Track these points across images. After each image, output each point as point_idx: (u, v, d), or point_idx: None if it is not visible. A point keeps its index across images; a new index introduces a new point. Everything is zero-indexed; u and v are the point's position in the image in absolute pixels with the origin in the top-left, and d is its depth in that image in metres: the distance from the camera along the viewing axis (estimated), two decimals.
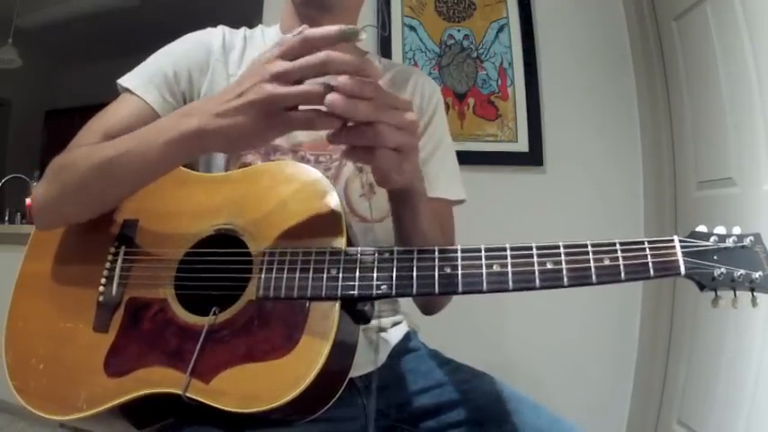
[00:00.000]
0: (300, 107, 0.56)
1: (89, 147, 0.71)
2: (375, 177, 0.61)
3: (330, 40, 0.55)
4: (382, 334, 0.86)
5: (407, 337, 0.88)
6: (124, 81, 0.81)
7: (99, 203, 0.71)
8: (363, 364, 0.72)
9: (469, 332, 1.71)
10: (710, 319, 1.56)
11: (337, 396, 0.62)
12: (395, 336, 0.87)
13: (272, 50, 0.57)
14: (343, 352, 0.62)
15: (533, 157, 1.85)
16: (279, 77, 0.55)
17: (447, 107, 1.83)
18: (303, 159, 0.81)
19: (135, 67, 0.83)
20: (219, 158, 0.81)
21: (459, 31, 1.90)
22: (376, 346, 0.79)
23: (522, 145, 1.86)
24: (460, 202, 0.92)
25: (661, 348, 1.76)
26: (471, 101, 1.86)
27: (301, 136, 0.82)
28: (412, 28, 1.88)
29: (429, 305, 0.85)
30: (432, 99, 0.93)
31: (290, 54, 0.55)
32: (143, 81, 0.80)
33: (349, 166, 0.84)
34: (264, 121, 0.56)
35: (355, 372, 0.64)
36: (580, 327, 1.83)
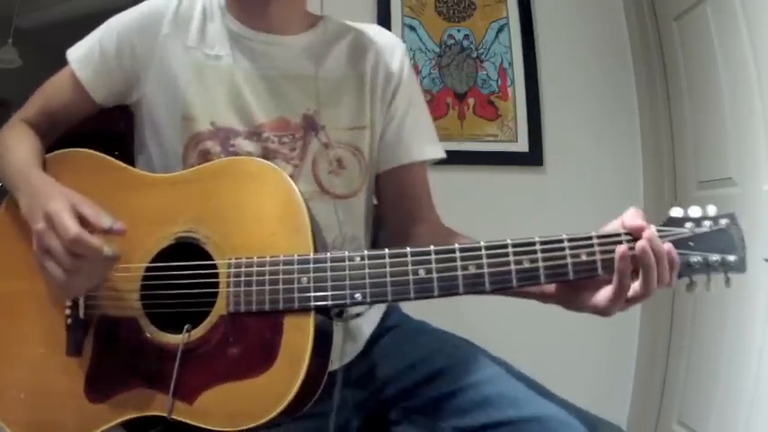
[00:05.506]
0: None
1: (10, 131, 0.83)
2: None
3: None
4: (358, 319, 0.80)
5: (385, 316, 0.85)
6: (71, 51, 0.84)
7: None
8: (340, 355, 0.72)
9: (468, 332, 1.71)
10: (710, 320, 1.55)
11: (320, 390, 0.61)
12: (371, 319, 0.83)
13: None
14: (321, 354, 0.61)
15: (533, 157, 1.85)
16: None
17: (447, 107, 1.83)
18: (267, 141, 0.76)
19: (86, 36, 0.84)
20: (177, 144, 0.76)
21: (459, 30, 1.90)
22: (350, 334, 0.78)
23: (522, 145, 1.85)
24: (438, 160, 0.88)
25: (661, 348, 1.76)
26: (471, 101, 1.86)
27: (261, 116, 0.76)
28: (412, 28, 1.88)
29: None
30: (394, 61, 0.86)
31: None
32: (83, 54, 0.82)
33: (314, 144, 0.78)
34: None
35: (333, 365, 0.64)
36: (580, 326, 1.82)
